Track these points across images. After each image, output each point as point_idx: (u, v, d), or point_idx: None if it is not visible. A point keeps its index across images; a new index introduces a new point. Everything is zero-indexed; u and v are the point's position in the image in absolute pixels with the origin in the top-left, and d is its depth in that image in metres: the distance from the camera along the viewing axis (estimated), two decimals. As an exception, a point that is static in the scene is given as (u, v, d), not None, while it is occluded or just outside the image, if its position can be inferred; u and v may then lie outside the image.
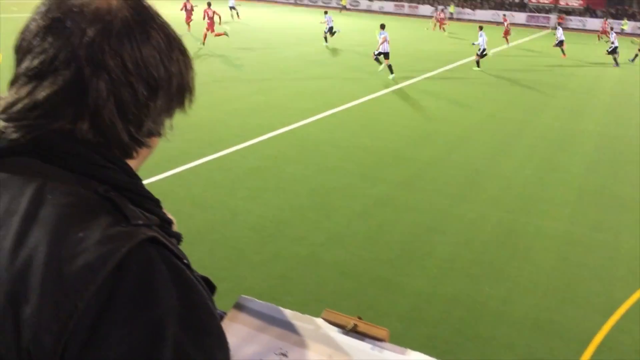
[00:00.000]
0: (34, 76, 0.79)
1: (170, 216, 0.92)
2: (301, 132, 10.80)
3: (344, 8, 52.49)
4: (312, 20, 35.32)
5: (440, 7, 44.61)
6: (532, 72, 20.84)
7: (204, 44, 21.20)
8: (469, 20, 49.80)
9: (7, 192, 0.76)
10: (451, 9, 50.68)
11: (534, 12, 52.25)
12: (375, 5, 55.09)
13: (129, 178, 0.83)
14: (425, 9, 53.74)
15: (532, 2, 54.01)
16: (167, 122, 0.89)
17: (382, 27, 18.27)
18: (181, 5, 24.53)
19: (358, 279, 5.68)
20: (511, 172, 9.34)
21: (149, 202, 0.83)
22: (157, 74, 0.82)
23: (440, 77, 18.37)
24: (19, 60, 0.82)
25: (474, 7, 53.91)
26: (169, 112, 0.87)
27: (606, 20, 41.20)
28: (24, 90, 0.79)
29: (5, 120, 0.79)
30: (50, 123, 0.78)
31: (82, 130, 0.79)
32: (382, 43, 17.76)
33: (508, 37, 28.96)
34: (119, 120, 0.79)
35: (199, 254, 5.82)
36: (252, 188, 7.80)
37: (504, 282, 5.83)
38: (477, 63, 20.67)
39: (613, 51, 24.42)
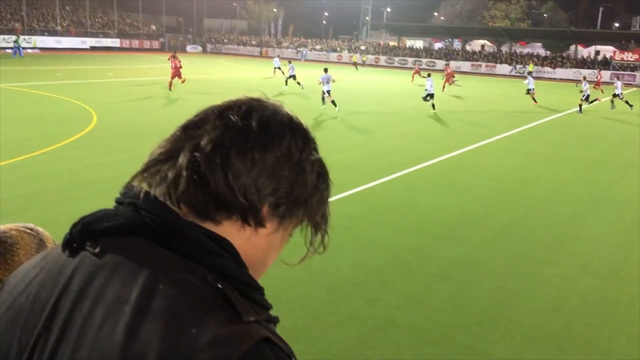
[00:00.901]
0: (168, 157, 0.85)
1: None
2: (377, 191, 10.75)
3: (356, 64, 52.45)
4: (388, 80, 35.78)
5: (448, 63, 44.13)
6: (620, 129, 20.01)
7: (170, 89, 24.55)
8: (550, 79, 48.92)
9: (118, 277, 0.77)
10: (530, 67, 50.04)
11: (619, 70, 50.70)
12: (452, 65, 55.26)
13: (238, 267, 0.83)
14: (503, 68, 53.36)
15: (615, 59, 52.53)
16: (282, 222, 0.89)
17: (429, 75, 23.43)
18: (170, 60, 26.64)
19: (437, 345, 5.44)
20: (600, 235, 8.84)
21: (255, 292, 0.84)
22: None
23: (520, 135, 17.97)
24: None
25: (554, 66, 52.99)
26: (275, 189, 0.86)
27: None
28: (165, 168, 0.84)
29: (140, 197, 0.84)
30: (177, 209, 0.83)
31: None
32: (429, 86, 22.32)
33: (601, 88, 29.23)
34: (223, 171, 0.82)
35: (274, 312, 5.76)
36: (328, 246, 7.74)
37: (594, 353, 5.41)
38: (580, 108, 24.16)
39: None
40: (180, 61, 25.52)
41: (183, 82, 25.41)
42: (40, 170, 10.82)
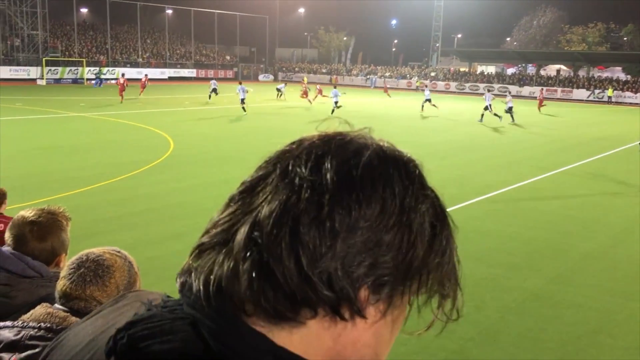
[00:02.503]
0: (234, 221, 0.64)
1: None
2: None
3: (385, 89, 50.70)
4: (458, 107, 35.31)
5: (542, 88, 42.91)
6: None
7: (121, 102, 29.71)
8: (631, 104, 46.83)
9: None
10: (609, 92, 48.15)
11: None
12: (526, 91, 53.95)
13: None
14: (581, 93, 51.59)
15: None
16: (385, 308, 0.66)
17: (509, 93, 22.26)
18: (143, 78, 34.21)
19: (512, 380, 5.21)
20: (690, 270, 8.27)
21: None
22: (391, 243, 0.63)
23: (599, 163, 17.22)
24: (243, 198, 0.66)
25: (635, 90, 50.72)
26: (371, 273, 0.63)
27: None
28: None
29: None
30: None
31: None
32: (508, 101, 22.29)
33: None
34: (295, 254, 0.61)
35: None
36: (462, 310, 7.64)
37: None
38: None
39: None
40: (126, 80, 32.88)
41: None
42: (119, 195, 11.31)
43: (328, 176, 0.62)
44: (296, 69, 75.72)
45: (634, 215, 11.19)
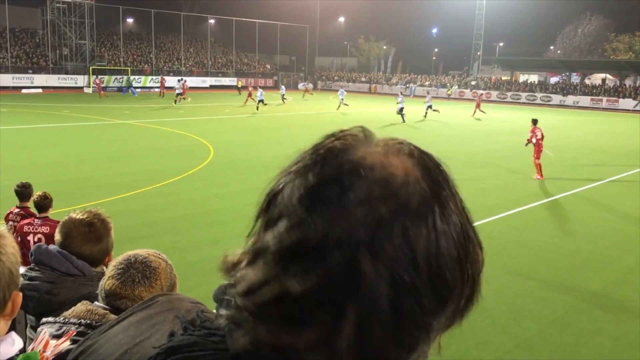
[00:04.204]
0: (286, 256, 0.57)
1: None
2: (487, 229, 10.41)
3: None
4: (498, 117, 34.79)
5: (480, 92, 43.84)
6: None
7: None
8: (680, 114, 45.25)
9: None
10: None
11: None
12: (569, 100, 52.83)
13: None
14: (627, 103, 50.19)
15: None
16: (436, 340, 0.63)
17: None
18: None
19: (551, 395, 5.11)
20: None
21: None
22: (451, 278, 0.57)
23: (646, 175, 16.72)
24: (263, 224, 0.61)
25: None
26: (446, 330, 0.62)
27: None
28: (268, 271, 0.58)
29: (241, 309, 0.59)
30: (299, 333, 0.56)
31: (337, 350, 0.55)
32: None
33: None
34: (391, 342, 0.55)
35: None
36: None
37: None
38: None
39: None
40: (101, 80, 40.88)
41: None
42: (161, 200, 11.56)
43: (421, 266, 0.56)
44: (335, 77, 75.95)
45: (681, 229, 10.82)
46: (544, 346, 6.03)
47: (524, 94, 56.13)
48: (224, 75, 65.46)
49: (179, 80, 40.14)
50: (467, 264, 0.59)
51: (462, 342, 6.03)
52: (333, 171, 0.58)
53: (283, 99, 41.94)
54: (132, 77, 50.61)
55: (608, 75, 65.22)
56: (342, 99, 37.17)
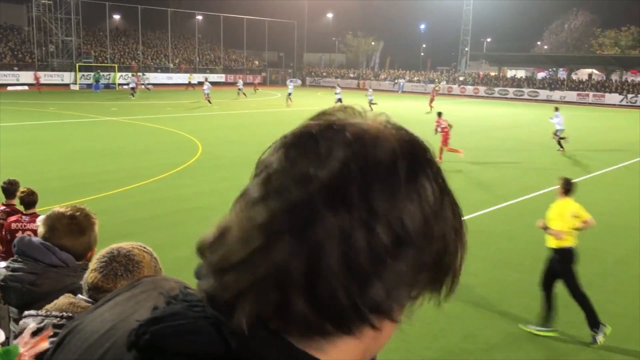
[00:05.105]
0: (262, 197, 0.62)
1: None
2: (476, 222, 10.47)
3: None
4: (487, 111, 34.96)
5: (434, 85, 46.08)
6: None
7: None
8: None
9: None
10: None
11: None
12: (556, 95, 53.17)
13: None
14: (613, 98, 50.61)
15: None
16: (407, 306, 0.64)
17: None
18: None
19: (538, 386, 5.16)
20: None
21: None
22: (411, 225, 0.59)
23: (632, 168, 16.87)
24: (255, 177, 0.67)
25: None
26: (412, 288, 0.62)
27: None
28: (235, 214, 0.65)
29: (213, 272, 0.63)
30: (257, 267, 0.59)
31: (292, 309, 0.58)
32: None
33: None
34: (342, 275, 0.57)
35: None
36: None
37: None
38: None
39: None
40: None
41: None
42: (149, 197, 11.51)
43: (373, 197, 0.59)
44: (324, 73, 75.92)
45: (666, 222, 10.95)
46: (531, 339, 6.08)
47: (511, 90, 56.42)
48: (212, 71, 65.17)
49: (132, 75, 42.75)
50: (434, 221, 0.61)
51: (449, 334, 6.08)
52: (314, 127, 0.63)
53: (240, 92, 43.09)
54: (102, 74, 50.16)
55: (594, 71, 65.77)
56: (340, 98, 34.72)
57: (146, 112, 29.12)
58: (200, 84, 43.99)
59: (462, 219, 0.66)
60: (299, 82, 36.99)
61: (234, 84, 53.36)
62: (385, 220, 0.58)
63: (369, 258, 0.57)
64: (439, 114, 18.03)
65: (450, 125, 17.21)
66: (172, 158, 15.87)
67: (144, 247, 1.90)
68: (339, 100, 33.80)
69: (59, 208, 2.48)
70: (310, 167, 0.59)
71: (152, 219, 9.98)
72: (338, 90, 36.07)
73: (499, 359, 5.64)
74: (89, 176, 13.27)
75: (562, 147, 19.58)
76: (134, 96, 38.47)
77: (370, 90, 34.59)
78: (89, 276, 1.81)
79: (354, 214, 0.57)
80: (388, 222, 0.58)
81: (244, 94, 43.32)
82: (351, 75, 73.59)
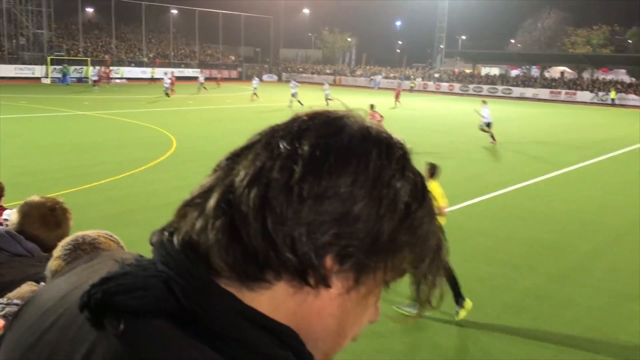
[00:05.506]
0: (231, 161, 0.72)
1: None
2: (449, 218, 10.56)
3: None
4: (460, 108, 35.31)
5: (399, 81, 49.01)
6: None
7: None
8: (634, 107, 46.69)
9: None
10: (612, 95, 48.15)
11: None
12: (529, 92, 53.90)
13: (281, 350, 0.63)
14: (584, 95, 51.50)
15: None
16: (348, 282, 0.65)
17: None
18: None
19: (508, 378, 5.24)
20: (690, 271, 8.27)
21: None
22: (331, 161, 0.64)
23: (601, 165, 17.21)
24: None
25: (639, 93, 50.62)
26: (336, 246, 0.63)
27: None
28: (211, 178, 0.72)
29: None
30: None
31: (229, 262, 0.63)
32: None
33: None
34: (260, 214, 0.62)
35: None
36: (443, 298, 7.67)
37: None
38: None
39: None
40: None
41: None
42: (123, 192, 11.37)
43: (305, 147, 0.64)
44: (300, 69, 75.77)
45: (633, 216, 11.18)
46: (503, 331, 6.16)
47: (485, 87, 57.04)
48: (187, 66, 64.59)
49: (98, 68, 45.74)
50: (384, 184, 0.65)
51: (423, 329, 6.12)
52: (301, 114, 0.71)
53: (201, 86, 44.20)
54: (71, 68, 49.45)
55: (566, 69, 66.79)
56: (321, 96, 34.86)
57: (119, 107, 28.75)
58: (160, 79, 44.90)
59: (399, 189, 0.66)
60: (258, 80, 38.39)
61: (208, 79, 52.99)
62: (299, 156, 0.64)
63: (286, 201, 0.62)
64: (372, 106, 18.21)
65: (382, 117, 18.16)
66: (146, 153, 15.69)
67: (111, 236, 1.88)
68: (294, 95, 32.79)
69: (36, 197, 2.44)
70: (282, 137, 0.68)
71: (124, 214, 9.86)
72: (292, 84, 34.35)
73: (472, 351, 5.70)
74: (59, 171, 13.05)
75: (494, 139, 20.43)
76: (96, 86, 41.10)
77: (327, 84, 37.01)
78: (52, 264, 1.78)
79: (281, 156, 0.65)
80: (303, 158, 0.64)
81: (205, 87, 44.15)
82: (327, 71, 73.60)
